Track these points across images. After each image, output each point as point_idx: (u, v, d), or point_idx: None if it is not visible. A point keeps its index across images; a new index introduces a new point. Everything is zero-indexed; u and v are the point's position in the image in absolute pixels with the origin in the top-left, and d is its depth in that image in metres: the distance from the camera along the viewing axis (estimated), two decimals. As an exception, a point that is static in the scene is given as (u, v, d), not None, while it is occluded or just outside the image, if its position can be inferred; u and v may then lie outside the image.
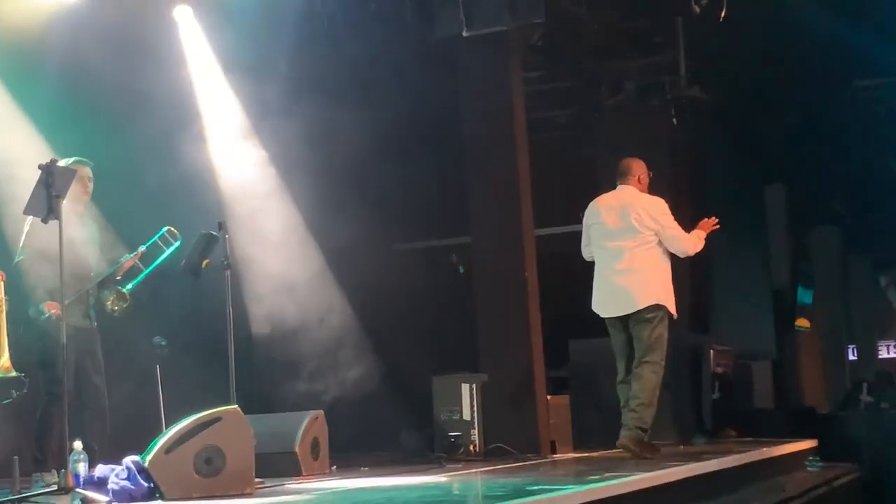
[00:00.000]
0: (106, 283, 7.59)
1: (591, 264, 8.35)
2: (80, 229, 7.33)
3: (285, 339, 9.51)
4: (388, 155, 11.35)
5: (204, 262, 7.32)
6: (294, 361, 9.72)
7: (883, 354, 20.35)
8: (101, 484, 5.94)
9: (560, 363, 10.93)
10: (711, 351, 11.48)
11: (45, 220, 6.37)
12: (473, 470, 7.74)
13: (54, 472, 6.68)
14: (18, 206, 6.81)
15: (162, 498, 5.78)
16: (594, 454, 9.06)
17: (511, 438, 8.96)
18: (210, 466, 5.90)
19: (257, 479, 6.29)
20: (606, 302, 8.17)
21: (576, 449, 9.57)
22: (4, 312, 7.00)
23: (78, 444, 6.06)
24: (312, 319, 9.53)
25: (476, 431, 8.97)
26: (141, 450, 5.93)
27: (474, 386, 9.02)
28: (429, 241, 13.19)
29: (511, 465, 8.01)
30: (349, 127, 10.02)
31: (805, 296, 16.58)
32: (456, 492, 6.41)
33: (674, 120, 11.66)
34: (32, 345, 7.27)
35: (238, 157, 9.76)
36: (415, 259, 12.68)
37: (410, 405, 10.23)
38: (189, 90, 9.68)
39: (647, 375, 7.92)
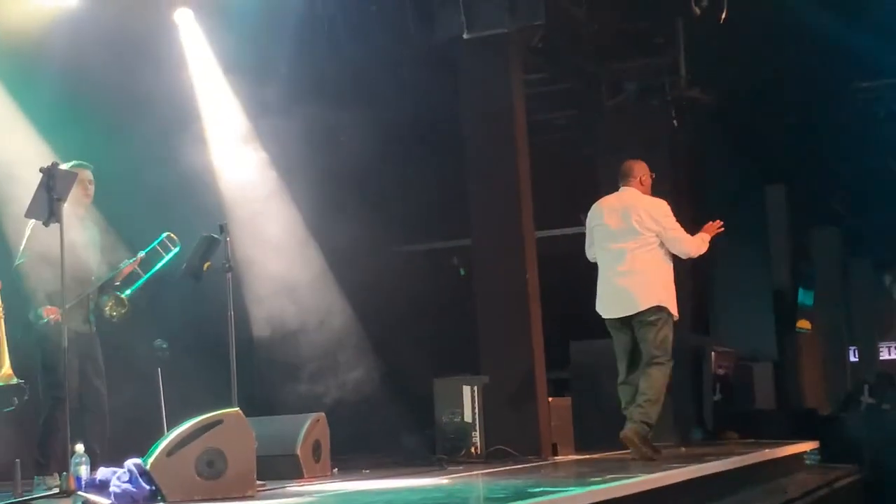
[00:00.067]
0: (105, 288, 7.58)
1: (593, 265, 8.36)
2: (81, 233, 7.33)
3: (287, 342, 9.51)
4: (389, 157, 11.36)
5: (205, 265, 7.31)
6: (295, 364, 9.72)
7: (884, 356, 20.32)
8: (102, 487, 5.93)
9: (561, 365, 10.93)
10: (712, 353, 11.49)
11: (46, 224, 6.38)
12: (475, 472, 7.74)
13: (56, 475, 6.68)
14: (18, 208, 6.81)
15: (163, 501, 5.78)
16: (596, 456, 9.05)
17: (512, 440, 8.95)
18: (212, 469, 5.90)
19: (259, 482, 6.28)
20: (609, 303, 8.18)
21: (577, 451, 9.57)
22: (3, 319, 6.99)
23: (80, 447, 6.06)
24: (314, 322, 9.53)
25: (477, 433, 8.96)
26: (142, 452, 5.93)
27: (475, 388, 9.01)
28: (429, 243, 13.19)
29: (512, 467, 8.01)
30: (350, 129, 10.03)
31: (806, 297, 16.58)
32: (458, 494, 6.40)
33: (674, 121, 11.67)
34: (33, 349, 7.27)
35: (239, 160, 9.76)
36: (415, 261, 12.68)
37: (411, 407, 10.22)
38: (190, 93, 9.67)
39: (656, 374, 7.95)
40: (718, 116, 12.86)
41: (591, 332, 9.17)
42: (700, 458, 7.95)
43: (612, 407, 8.36)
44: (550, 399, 9.40)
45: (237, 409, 6.26)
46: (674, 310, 8.07)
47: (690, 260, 8.44)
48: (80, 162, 7.40)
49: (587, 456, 9.18)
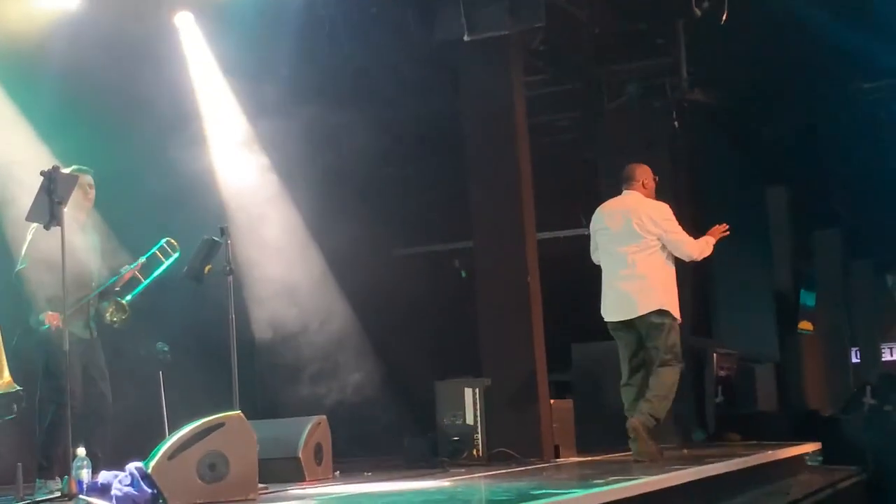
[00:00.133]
0: (105, 294, 7.56)
1: (594, 267, 8.37)
2: (81, 238, 7.31)
3: (288, 344, 9.50)
4: (390, 159, 11.37)
5: (206, 268, 7.30)
6: (297, 366, 9.72)
7: (886, 357, 20.33)
8: (104, 490, 5.92)
9: (563, 367, 10.93)
10: (714, 354, 11.49)
11: (47, 227, 6.35)
12: (477, 474, 7.73)
13: (58, 478, 6.68)
14: (18, 210, 6.79)
15: (165, 504, 5.78)
16: (598, 458, 9.04)
17: (514, 443, 8.94)
18: (213, 472, 5.89)
19: (260, 485, 6.28)
20: (612, 307, 8.20)
21: (579, 453, 9.55)
22: (1, 327, 6.99)
23: (81, 451, 6.05)
24: (315, 324, 9.53)
25: (479, 436, 8.95)
26: (144, 456, 5.92)
27: (477, 390, 9.01)
28: (431, 245, 13.18)
29: (514, 470, 8.00)
30: (351, 131, 10.02)
31: (807, 298, 16.58)
32: (460, 497, 6.39)
33: (675, 123, 11.67)
34: (34, 354, 7.26)
35: (239, 163, 9.75)
36: (417, 263, 12.68)
37: (413, 410, 10.22)
38: (190, 96, 9.67)
39: (666, 373, 8.00)
40: (719, 118, 12.86)
41: (592, 334, 9.16)
42: (702, 460, 7.93)
43: (613, 409, 8.36)
44: (552, 401, 9.39)
45: (239, 411, 6.25)
46: (676, 313, 8.08)
47: (692, 262, 8.44)
48: (79, 167, 7.38)
49: (589, 458, 9.17)
